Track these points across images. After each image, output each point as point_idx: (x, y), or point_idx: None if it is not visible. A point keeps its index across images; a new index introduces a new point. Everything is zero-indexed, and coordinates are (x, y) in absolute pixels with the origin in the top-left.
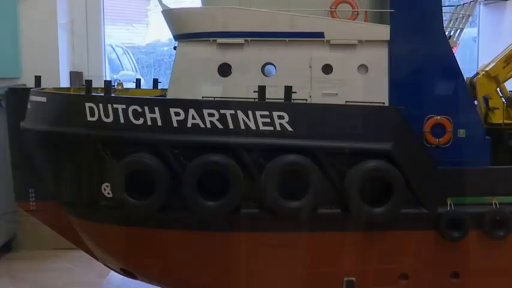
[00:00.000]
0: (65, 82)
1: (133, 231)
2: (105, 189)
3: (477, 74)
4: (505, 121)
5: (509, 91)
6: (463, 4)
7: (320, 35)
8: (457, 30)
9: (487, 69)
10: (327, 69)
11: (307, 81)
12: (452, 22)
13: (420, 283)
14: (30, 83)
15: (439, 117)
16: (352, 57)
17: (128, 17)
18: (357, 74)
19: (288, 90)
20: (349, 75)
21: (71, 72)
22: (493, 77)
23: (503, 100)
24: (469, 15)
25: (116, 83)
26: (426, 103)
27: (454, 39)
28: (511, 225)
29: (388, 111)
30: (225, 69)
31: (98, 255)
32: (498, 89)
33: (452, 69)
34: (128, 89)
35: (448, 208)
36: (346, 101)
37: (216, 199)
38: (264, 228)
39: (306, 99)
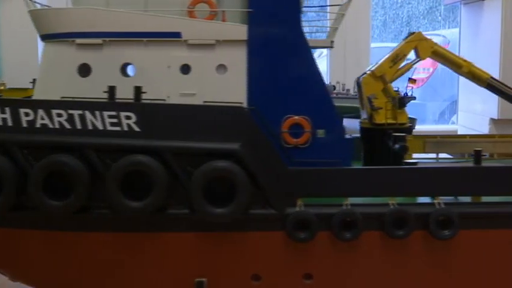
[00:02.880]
0: None
1: None
2: None
3: (365, 73)
4: (388, 121)
5: (395, 90)
6: (340, 4)
7: (177, 34)
8: (332, 29)
9: (373, 68)
10: (186, 69)
11: (166, 81)
12: (328, 22)
13: (273, 284)
14: (11, 83)
15: (297, 117)
16: (210, 57)
17: None
18: (216, 74)
19: (137, 90)
20: (207, 75)
21: None
22: (379, 77)
23: (391, 100)
24: (342, 15)
25: None
26: (284, 103)
27: (329, 38)
28: (361, 227)
29: (236, 112)
30: (84, 70)
31: None
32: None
33: (310, 69)
34: (26, 89)
35: (297, 209)
36: (205, 101)
37: (62, 199)
38: (113, 228)
39: (165, 99)
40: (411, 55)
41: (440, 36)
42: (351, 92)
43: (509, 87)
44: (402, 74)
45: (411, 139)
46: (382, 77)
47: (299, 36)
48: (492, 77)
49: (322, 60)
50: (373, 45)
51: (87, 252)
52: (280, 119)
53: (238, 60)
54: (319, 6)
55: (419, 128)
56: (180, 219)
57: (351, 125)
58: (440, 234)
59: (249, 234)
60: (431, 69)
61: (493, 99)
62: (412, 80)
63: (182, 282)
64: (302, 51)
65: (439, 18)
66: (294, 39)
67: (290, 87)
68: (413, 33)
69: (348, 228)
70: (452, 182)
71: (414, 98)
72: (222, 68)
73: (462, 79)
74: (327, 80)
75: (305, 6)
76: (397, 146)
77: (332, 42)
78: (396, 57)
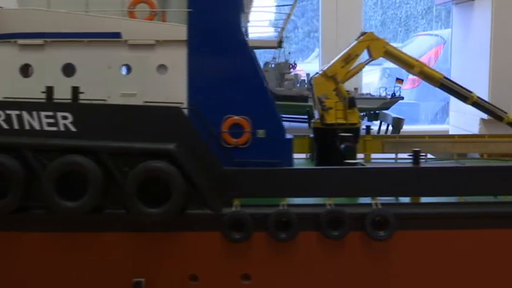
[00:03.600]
0: None
1: None
2: None
3: (317, 73)
4: (339, 121)
5: (346, 91)
6: (288, 5)
7: (117, 35)
8: (281, 29)
9: (325, 68)
10: (126, 69)
11: (107, 81)
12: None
13: (210, 284)
14: None
15: (236, 117)
16: (151, 57)
17: None
18: (156, 74)
19: (75, 90)
20: (148, 76)
21: None
22: (331, 77)
23: (342, 100)
24: (289, 15)
25: None
26: (224, 103)
27: (276, 39)
28: (297, 227)
29: (171, 112)
30: (26, 70)
31: None
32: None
33: (250, 69)
34: None
35: (233, 209)
36: (145, 101)
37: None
38: (50, 228)
39: (106, 100)
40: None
41: (434, 35)
42: None
43: (461, 87)
44: (354, 74)
45: (370, 139)
46: (333, 77)
47: (238, 36)
48: (445, 77)
49: (316, 60)
50: None
51: (24, 252)
52: (221, 119)
53: (178, 60)
54: (264, 7)
55: (410, 128)
56: (117, 219)
57: None
58: (376, 235)
59: (185, 234)
60: None
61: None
62: (399, 80)
63: (120, 282)
64: (242, 51)
65: (438, 18)
66: (233, 39)
67: (230, 87)
68: (365, 33)
69: (285, 228)
70: (390, 183)
71: (402, 98)
72: (162, 68)
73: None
74: None
75: (253, 7)
76: (342, 146)
77: (280, 42)
78: (348, 57)
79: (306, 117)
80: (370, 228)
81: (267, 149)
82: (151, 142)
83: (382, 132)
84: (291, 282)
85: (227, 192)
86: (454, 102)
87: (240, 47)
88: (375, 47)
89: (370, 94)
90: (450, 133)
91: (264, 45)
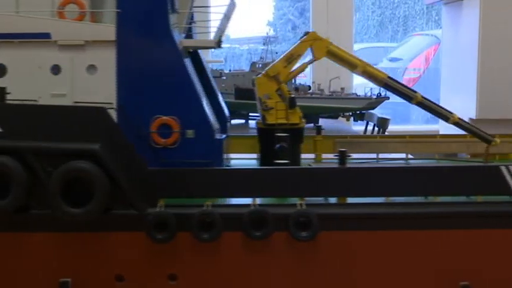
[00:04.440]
0: None
1: None
2: None
3: (260, 73)
4: (279, 121)
5: (288, 91)
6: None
7: (46, 35)
8: (218, 30)
9: (267, 68)
10: (56, 69)
11: (37, 82)
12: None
13: (137, 285)
14: None
15: (165, 117)
16: (80, 57)
17: None
18: (86, 74)
19: (1, 91)
20: (78, 76)
21: None
22: (273, 77)
23: (286, 101)
24: (228, 17)
25: None
26: (152, 103)
27: (215, 39)
28: (220, 227)
29: (96, 112)
30: None
31: None
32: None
33: (178, 69)
34: None
35: (158, 209)
36: (75, 102)
37: None
38: None
39: (37, 100)
40: None
41: (429, 35)
42: (326, 92)
43: (406, 87)
44: (297, 74)
45: (320, 139)
46: (275, 77)
47: (167, 36)
48: (389, 77)
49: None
50: (369, 45)
51: None
52: (149, 119)
53: (107, 60)
54: (202, 7)
55: (400, 128)
56: (43, 219)
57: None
58: (299, 236)
59: (110, 234)
60: (422, 69)
61: (472, 99)
62: None
63: (46, 282)
64: (169, 51)
65: (435, 18)
66: (161, 39)
67: (158, 87)
68: (308, 32)
69: (210, 229)
70: (315, 183)
71: (387, 98)
72: (92, 68)
73: (443, 79)
74: (309, 80)
75: (195, 6)
76: (277, 146)
77: (219, 42)
78: (291, 57)
79: None
80: (293, 228)
81: (196, 149)
82: (77, 142)
83: (368, 132)
84: (216, 282)
85: (152, 192)
86: (444, 102)
87: (167, 47)
88: (317, 46)
89: (355, 94)
90: (440, 133)
91: (201, 45)
